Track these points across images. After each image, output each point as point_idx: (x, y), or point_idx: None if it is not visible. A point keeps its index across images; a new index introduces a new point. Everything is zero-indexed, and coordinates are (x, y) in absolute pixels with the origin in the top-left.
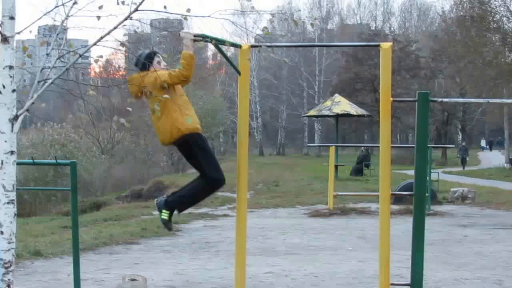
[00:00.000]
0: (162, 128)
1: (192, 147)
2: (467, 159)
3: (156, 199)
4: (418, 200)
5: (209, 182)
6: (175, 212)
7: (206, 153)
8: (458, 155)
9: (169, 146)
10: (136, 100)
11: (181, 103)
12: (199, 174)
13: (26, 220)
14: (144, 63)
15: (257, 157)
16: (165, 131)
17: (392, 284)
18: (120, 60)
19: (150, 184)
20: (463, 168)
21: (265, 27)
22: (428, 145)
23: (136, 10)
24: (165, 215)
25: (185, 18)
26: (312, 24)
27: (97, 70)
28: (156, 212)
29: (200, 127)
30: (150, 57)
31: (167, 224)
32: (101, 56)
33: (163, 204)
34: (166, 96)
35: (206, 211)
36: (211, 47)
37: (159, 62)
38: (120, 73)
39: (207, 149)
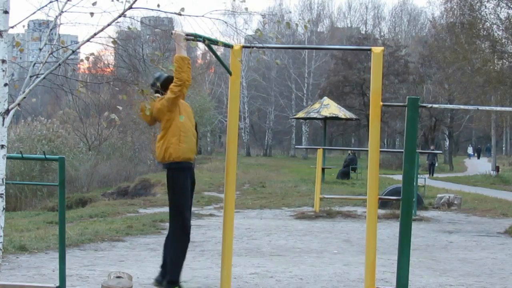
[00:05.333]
0: (159, 148)
1: (173, 181)
2: (436, 165)
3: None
4: (405, 205)
5: (173, 232)
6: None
7: (180, 196)
8: (427, 161)
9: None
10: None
11: (183, 130)
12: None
13: (12, 214)
14: (158, 89)
15: (244, 157)
16: (161, 152)
17: None
18: (109, 57)
19: (136, 182)
20: (431, 174)
21: (258, 29)
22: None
23: (130, 7)
24: None
25: (180, 14)
26: (305, 27)
27: (86, 66)
28: (143, 210)
29: (193, 156)
30: (169, 81)
31: None
32: (92, 54)
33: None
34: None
35: (192, 210)
36: (200, 46)
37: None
38: (109, 69)
39: (183, 193)
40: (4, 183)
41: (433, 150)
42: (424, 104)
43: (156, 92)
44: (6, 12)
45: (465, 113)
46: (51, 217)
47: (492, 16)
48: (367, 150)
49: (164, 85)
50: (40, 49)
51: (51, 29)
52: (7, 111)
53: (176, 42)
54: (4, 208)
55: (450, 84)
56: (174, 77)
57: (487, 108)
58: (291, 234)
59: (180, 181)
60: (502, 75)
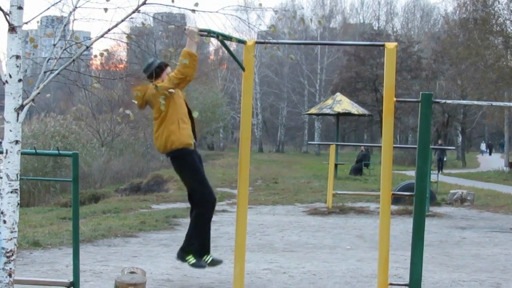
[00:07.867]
0: (159, 138)
1: (181, 167)
2: (445, 159)
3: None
4: (418, 201)
5: (200, 204)
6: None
7: (193, 172)
8: (435, 155)
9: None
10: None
11: (180, 116)
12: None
13: (25, 210)
14: (152, 72)
15: (256, 153)
16: (161, 141)
17: (390, 284)
18: (122, 53)
19: (149, 178)
20: (440, 170)
21: (272, 25)
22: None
23: (144, 3)
24: (191, 260)
25: (193, 11)
26: (319, 22)
27: (98, 62)
28: (156, 206)
29: (193, 142)
30: (161, 68)
31: (199, 264)
32: (107, 50)
33: (181, 256)
34: (171, 90)
35: None
36: (213, 42)
37: (168, 74)
38: (122, 65)
39: (194, 168)
40: (19, 179)
41: (441, 144)
42: (438, 100)
43: (150, 77)
44: (20, 8)
45: (478, 109)
46: (64, 212)
47: (506, 12)
48: (380, 146)
49: (157, 72)
50: (54, 45)
51: (65, 25)
52: (22, 107)
53: (189, 38)
54: (18, 204)
55: (463, 80)
56: (178, 70)
57: (501, 104)
58: (304, 230)
59: (188, 163)
60: None
